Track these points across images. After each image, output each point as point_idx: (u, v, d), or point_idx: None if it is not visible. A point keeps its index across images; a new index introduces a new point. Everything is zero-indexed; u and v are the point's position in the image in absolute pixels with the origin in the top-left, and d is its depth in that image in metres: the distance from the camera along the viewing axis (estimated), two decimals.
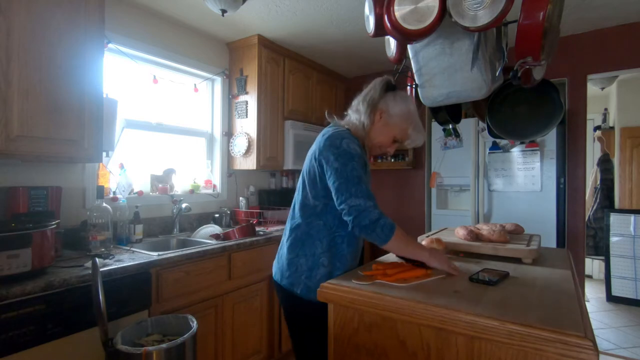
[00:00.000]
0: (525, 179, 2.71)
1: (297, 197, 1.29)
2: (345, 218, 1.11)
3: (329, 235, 1.20)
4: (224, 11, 2.06)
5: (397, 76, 1.45)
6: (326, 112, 1.40)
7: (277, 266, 1.29)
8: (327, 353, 1.10)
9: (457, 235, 1.57)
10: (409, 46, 1.31)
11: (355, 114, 1.28)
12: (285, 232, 1.31)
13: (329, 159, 1.14)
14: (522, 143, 2.72)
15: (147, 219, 2.27)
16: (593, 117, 4.47)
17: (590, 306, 3.50)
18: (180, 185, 2.60)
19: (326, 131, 1.26)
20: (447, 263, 1.16)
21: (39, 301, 1.26)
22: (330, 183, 1.14)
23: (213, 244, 2.04)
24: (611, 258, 3.59)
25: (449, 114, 1.73)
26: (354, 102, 1.32)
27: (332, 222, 1.20)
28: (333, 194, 1.13)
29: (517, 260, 1.35)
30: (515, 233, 1.64)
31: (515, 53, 1.09)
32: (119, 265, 1.52)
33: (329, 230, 1.20)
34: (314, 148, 1.25)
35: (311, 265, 1.19)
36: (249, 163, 2.75)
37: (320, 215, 1.20)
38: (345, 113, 1.35)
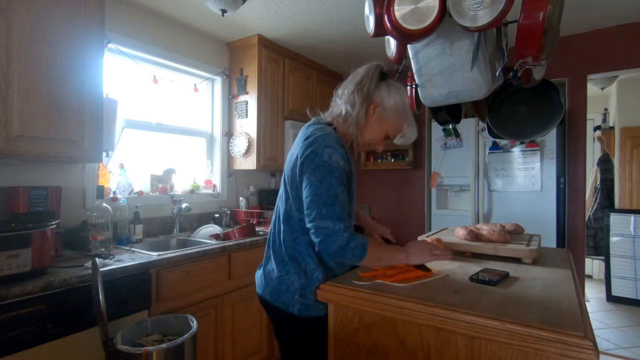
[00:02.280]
0: (525, 179, 2.71)
1: (281, 206, 1.16)
2: (312, 238, 1.03)
3: (315, 250, 1.10)
4: (224, 11, 2.06)
5: (397, 76, 1.45)
6: (307, 110, 1.26)
7: (265, 282, 1.16)
8: None
9: (457, 235, 1.57)
10: (409, 46, 1.31)
11: (348, 105, 1.14)
12: (270, 243, 1.19)
13: (307, 169, 1.04)
14: (522, 143, 2.72)
15: (147, 219, 2.26)
16: (593, 117, 4.47)
17: (590, 306, 3.50)
18: (180, 185, 2.60)
19: (309, 132, 1.12)
20: (428, 252, 1.08)
21: (39, 301, 1.25)
22: (303, 195, 1.05)
23: (213, 244, 2.04)
24: (611, 258, 3.59)
25: (449, 114, 1.73)
26: (345, 91, 1.16)
27: None
28: (304, 207, 1.04)
29: (517, 260, 1.36)
30: (515, 233, 1.64)
31: (515, 53, 1.09)
32: (119, 265, 1.52)
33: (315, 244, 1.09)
34: (295, 154, 1.11)
35: (304, 283, 1.09)
36: (249, 163, 2.75)
37: (305, 230, 1.08)
38: (333, 103, 1.21)
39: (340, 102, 1.17)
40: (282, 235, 1.14)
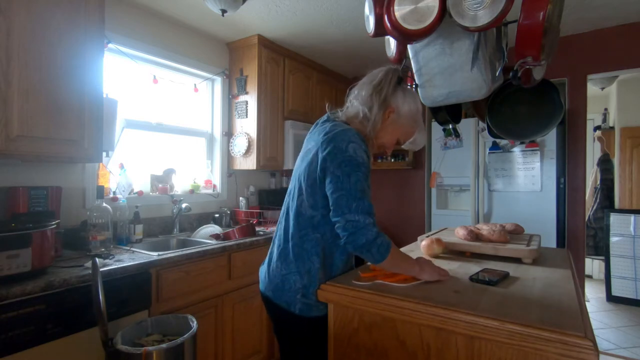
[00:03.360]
0: (525, 179, 2.71)
1: (292, 203, 1.14)
2: (339, 232, 1.02)
3: (324, 247, 1.10)
4: (224, 11, 2.06)
5: None
6: (327, 106, 1.27)
7: (268, 280, 1.16)
8: None
9: (457, 235, 1.57)
10: (409, 46, 1.31)
11: (365, 107, 1.13)
12: (275, 240, 1.18)
13: (331, 164, 1.03)
14: (522, 143, 2.72)
15: (147, 219, 2.26)
16: (593, 117, 4.47)
17: (590, 306, 3.50)
18: (180, 185, 2.60)
19: (328, 128, 1.10)
20: (437, 273, 1.11)
21: (39, 301, 1.25)
22: (328, 192, 1.03)
23: (213, 244, 2.04)
24: (611, 258, 3.59)
25: (449, 114, 1.73)
26: (362, 93, 1.15)
27: (330, 233, 1.09)
28: (330, 204, 1.03)
29: (517, 260, 1.36)
30: (515, 233, 1.64)
31: (515, 53, 1.09)
32: (119, 265, 1.52)
33: (325, 242, 1.10)
34: (313, 149, 1.10)
35: (307, 283, 1.08)
36: (249, 163, 2.75)
37: (317, 227, 1.08)
38: (348, 103, 1.20)
39: (357, 103, 1.16)
40: (290, 231, 1.12)
